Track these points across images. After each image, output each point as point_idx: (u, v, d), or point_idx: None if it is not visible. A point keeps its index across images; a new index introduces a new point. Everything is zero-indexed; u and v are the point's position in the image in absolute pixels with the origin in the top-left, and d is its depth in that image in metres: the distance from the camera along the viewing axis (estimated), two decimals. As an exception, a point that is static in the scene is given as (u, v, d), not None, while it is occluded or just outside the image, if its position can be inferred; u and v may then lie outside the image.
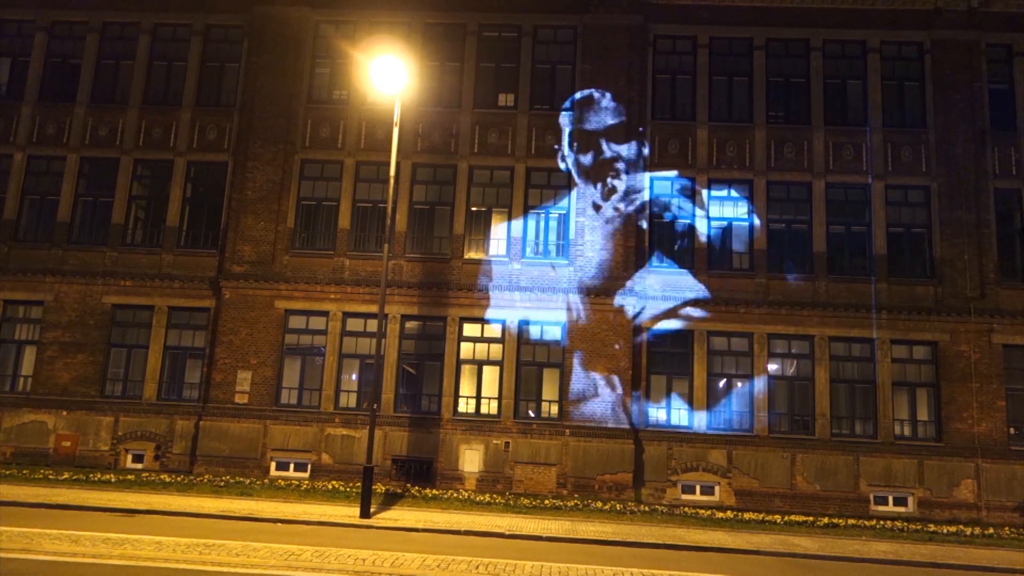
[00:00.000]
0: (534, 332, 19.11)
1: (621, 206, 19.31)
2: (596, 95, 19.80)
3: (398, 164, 17.12)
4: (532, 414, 18.92)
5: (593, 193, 19.41)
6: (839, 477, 18.11)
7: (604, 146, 19.57)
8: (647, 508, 16.79)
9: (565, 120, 19.84)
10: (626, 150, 19.54)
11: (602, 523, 14.41)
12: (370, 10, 20.54)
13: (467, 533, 12.62)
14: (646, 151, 19.82)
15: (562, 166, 19.67)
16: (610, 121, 19.64)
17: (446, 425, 18.61)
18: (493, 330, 19.18)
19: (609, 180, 19.42)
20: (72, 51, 21.31)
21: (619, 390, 18.47)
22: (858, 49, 20.25)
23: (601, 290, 18.90)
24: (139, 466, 18.98)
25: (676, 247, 19.70)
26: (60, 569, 8.59)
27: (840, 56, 20.29)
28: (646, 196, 19.63)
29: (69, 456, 18.95)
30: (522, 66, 20.28)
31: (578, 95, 19.93)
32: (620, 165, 19.48)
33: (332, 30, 20.79)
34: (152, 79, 21.06)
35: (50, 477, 16.44)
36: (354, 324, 19.42)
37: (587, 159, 19.57)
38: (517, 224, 19.53)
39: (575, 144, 19.70)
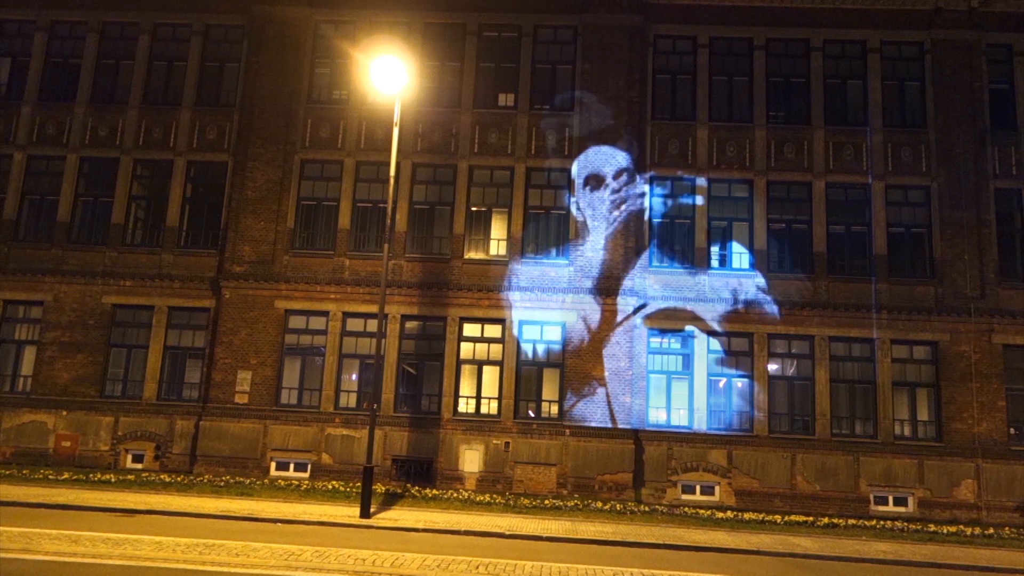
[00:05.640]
0: (534, 332, 19.11)
1: (621, 206, 19.30)
2: (596, 96, 19.79)
3: (398, 164, 17.12)
4: (532, 414, 18.92)
5: (593, 193, 19.40)
6: (839, 477, 18.10)
7: (604, 147, 19.55)
8: (647, 508, 16.79)
9: (566, 120, 19.84)
10: (626, 150, 19.53)
11: (602, 523, 14.41)
12: (370, 10, 20.54)
13: (467, 533, 12.61)
14: (646, 151, 19.82)
15: (562, 166, 19.66)
16: (610, 121, 19.64)
17: (446, 425, 18.61)
18: (493, 330, 19.17)
19: (609, 180, 19.42)
20: (72, 51, 21.31)
21: (619, 390, 18.46)
22: (858, 49, 20.24)
23: (601, 290, 18.90)
24: (139, 466, 18.98)
25: (676, 247, 19.70)
26: (60, 569, 8.59)
27: (840, 56, 20.29)
28: (646, 196, 19.63)
29: (69, 456, 18.95)
30: (522, 66, 20.28)
31: (579, 97, 19.93)
32: (620, 165, 19.47)
33: (332, 30, 20.79)
34: (152, 79, 21.06)
35: (50, 477, 16.43)
36: (354, 324, 19.41)
37: (587, 160, 19.56)
38: (517, 224, 19.53)
39: (575, 145, 19.68)
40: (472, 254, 19.61)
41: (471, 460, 18.41)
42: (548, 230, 19.79)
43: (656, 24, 20.40)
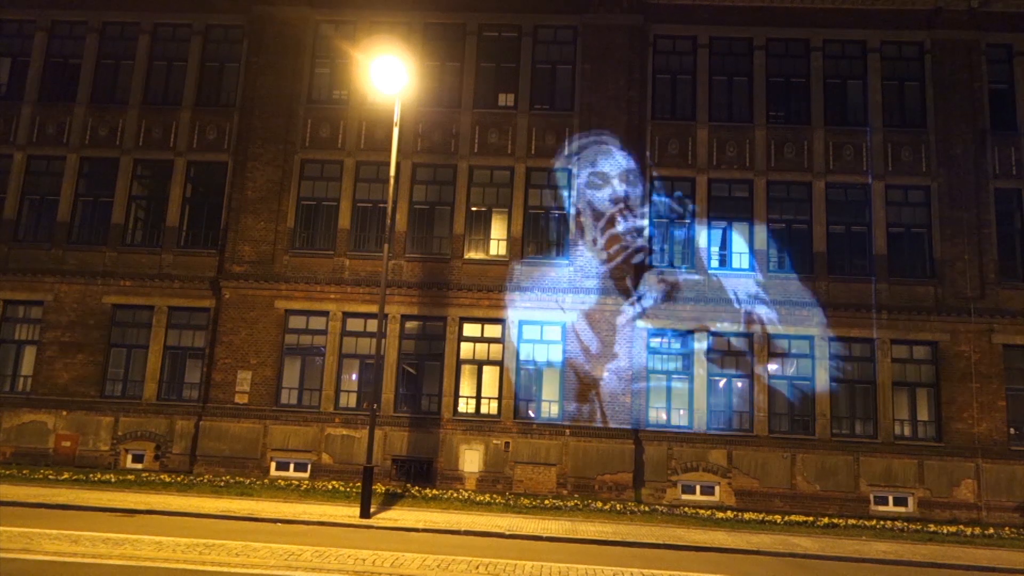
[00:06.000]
0: (534, 332, 19.11)
1: (621, 206, 19.30)
2: (596, 96, 19.79)
3: (398, 164, 17.12)
4: (532, 414, 18.92)
5: (593, 193, 19.40)
6: (839, 477, 18.10)
7: (604, 147, 19.55)
8: (647, 508, 16.79)
9: (567, 121, 19.84)
10: (626, 150, 19.53)
11: (602, 523, 14.41)
12: (370, 10, 20.54)
13: (467, 533, 12.62)
14: (646, 151, 19.83)
15: (563, 166, 19.66)
16: (610, 121, 19.63)
17: (446, 425, 18.61)
18: (493, 330, 19.17)
19: (609, 180, 19.41)
20: (72, 51, 21.31)
21: (619, 390, 18.46)
22: (858, 49, 20.25)
23: (601, 290, 18.90)
24: (139, 466, 18.98)
25: (676, 247, 19.71)
26: (60, 569, 8.59)
27: (840, 56, 20.30)
28: (646, 196, 19.62)
29: (69, 456, 18.95)
30: (522, 66, 20.28)
31: (579, 97, 19.93)
32: (620, 165, 19.47)
33: (332, 30, 20.79)
34: (152, 79, 21.06)
35: (50, 477, 16.43)
36: (354, 324, 19.42)
37: (587, 160, 19.55)
38: (517, 224, 19.53)
39: (576, 146, 19.69)
40: (472, 254, 19.61)
41: (471, 460, 18.41)
42: (548, 230, 19.79)
43: (656, 24, 20.40)
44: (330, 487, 16.93)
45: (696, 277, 19.22)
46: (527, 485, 18.19)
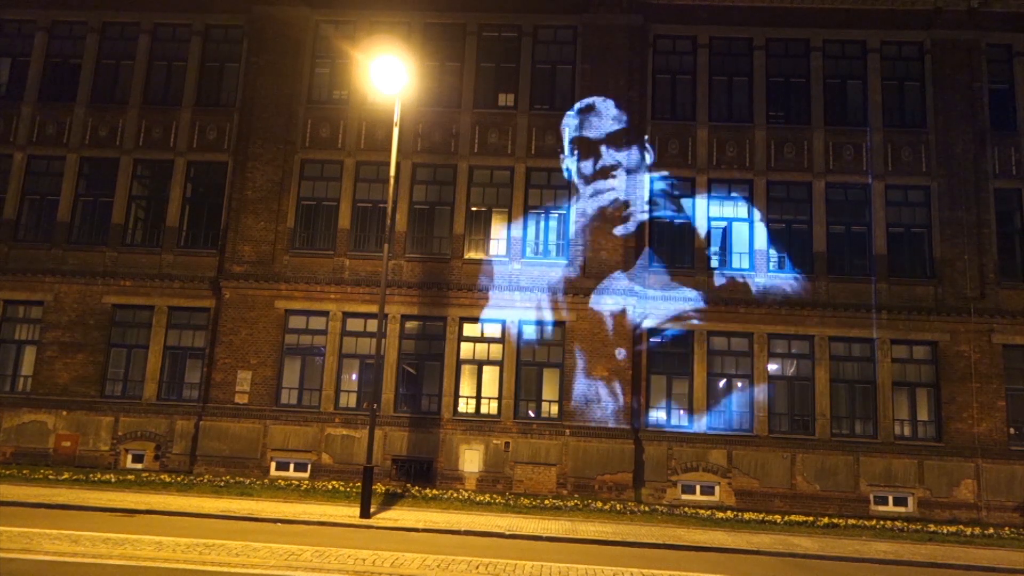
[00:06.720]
0: (534, 332, 19.11)
1: (621, 206, 19.30)
2: (596, 96, 19.79)
3: (398, 164, 17.11)
4: (532, 414, 18.92)
5: (593, 193, 19.40)
6: (839, 477, 18.10)
7: (604, 146, 19.56)
8: (647, 508, 16.79)
9: (566, 121, 19.84)
10: (626, 150, 19.53)
11: (602, 523, 14.41)
12: (370, 10, 20.54)
13: (467, 533, 12.62)
14: (646, 151, 19.83)
15: (562, 166, 19.66)
16: (610, 121, 19.64)
17: (446, 425, 18.61)
18: (493, 330, 19.17)
19: (609, 180, 19.41)
20: (72, 51, 21.31)
21: (619, 390, 18.47)
22: (858, 49, 20.25)
23: (601, 290, 18.89)
24: (139, 466, 18.98)
25: (676, 247, 19.69)
26: (60, 569, 8.59)
27: (840, 56, 20.30)
28: (646, 196, 19.63)
29: (69, 456, 18.95)
30: (522, 66, 20.28)
31: (578, 97, 19.93)
32: (620, 165, 19.47)
33: (332, 30, 20.79)
34: (152, 79, 21.06)
35: (50, 477, 16.43)
36: (354, 324, 19.42)
37: (587, 160, 19.56)
38: (517, 224, 19.53)
39: (575, 145, 19.69)
40: (472, 254, 19.61)
41: (471, 460, 18.41)
42: (548, 230, 19.79)
43: (656, 24, 20.40)
44: (330, 487, 16.93)
45: (696, 277, 19.22)
46: (527, 485, 18.19)
